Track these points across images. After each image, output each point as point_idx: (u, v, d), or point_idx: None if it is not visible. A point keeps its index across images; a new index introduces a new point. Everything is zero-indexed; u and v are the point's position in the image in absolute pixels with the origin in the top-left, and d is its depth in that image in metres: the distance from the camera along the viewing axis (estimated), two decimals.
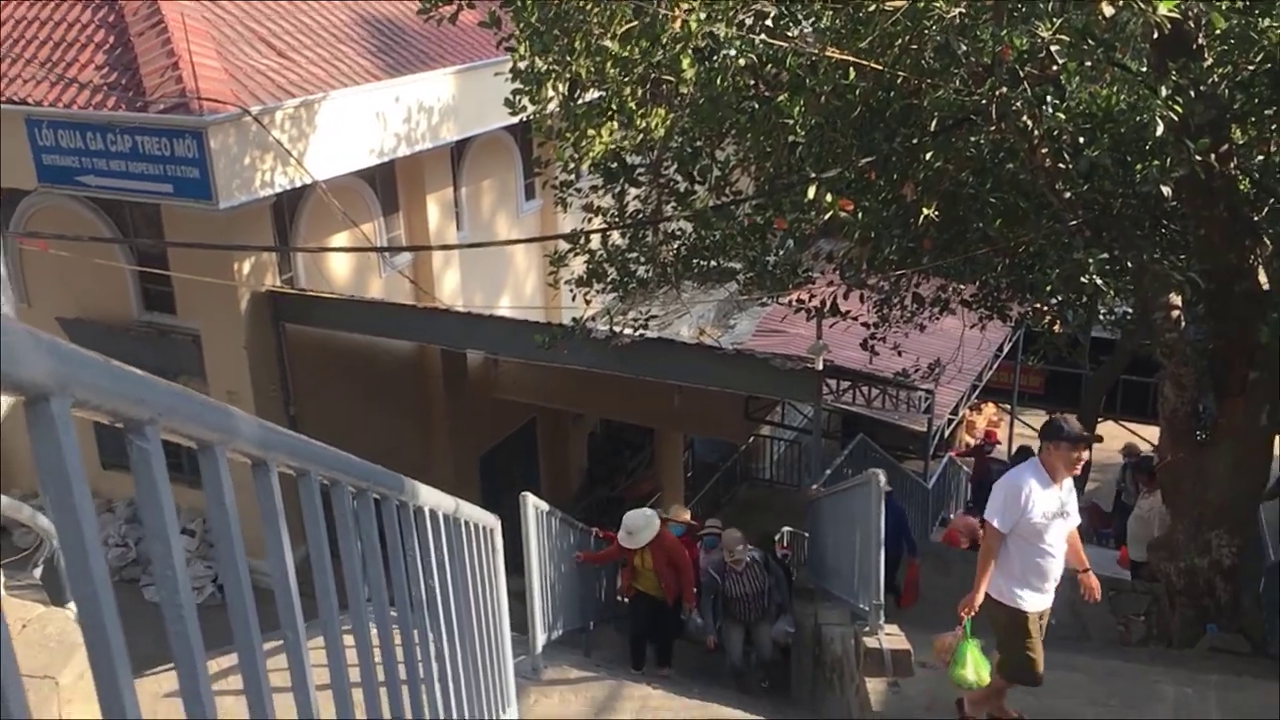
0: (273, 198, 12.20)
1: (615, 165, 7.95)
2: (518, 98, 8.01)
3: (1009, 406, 20.51)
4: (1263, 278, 7.26)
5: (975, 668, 5.19)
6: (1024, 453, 13.36)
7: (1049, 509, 5.02)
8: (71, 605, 3.82)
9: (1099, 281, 6.69)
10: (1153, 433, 9.03)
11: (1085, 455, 5.18)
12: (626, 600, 9.34)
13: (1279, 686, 6.13)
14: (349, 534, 2.14)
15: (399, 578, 2.57)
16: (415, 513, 2.68)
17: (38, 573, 5.26)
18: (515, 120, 8.75)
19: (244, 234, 12.27)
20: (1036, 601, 5.16)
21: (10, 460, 14.30)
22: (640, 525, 8.48)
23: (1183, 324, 7.75)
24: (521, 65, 7.83)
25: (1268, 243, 7.29)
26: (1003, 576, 5.15)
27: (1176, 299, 7.60)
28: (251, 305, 12.96)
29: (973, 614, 5.15)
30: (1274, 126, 6.90)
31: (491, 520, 3.99)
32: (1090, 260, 6.53)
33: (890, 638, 6.37)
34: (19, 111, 11.69)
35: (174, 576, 1.29)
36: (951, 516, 14.87)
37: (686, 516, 10.55)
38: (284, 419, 13.43)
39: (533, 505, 6.69)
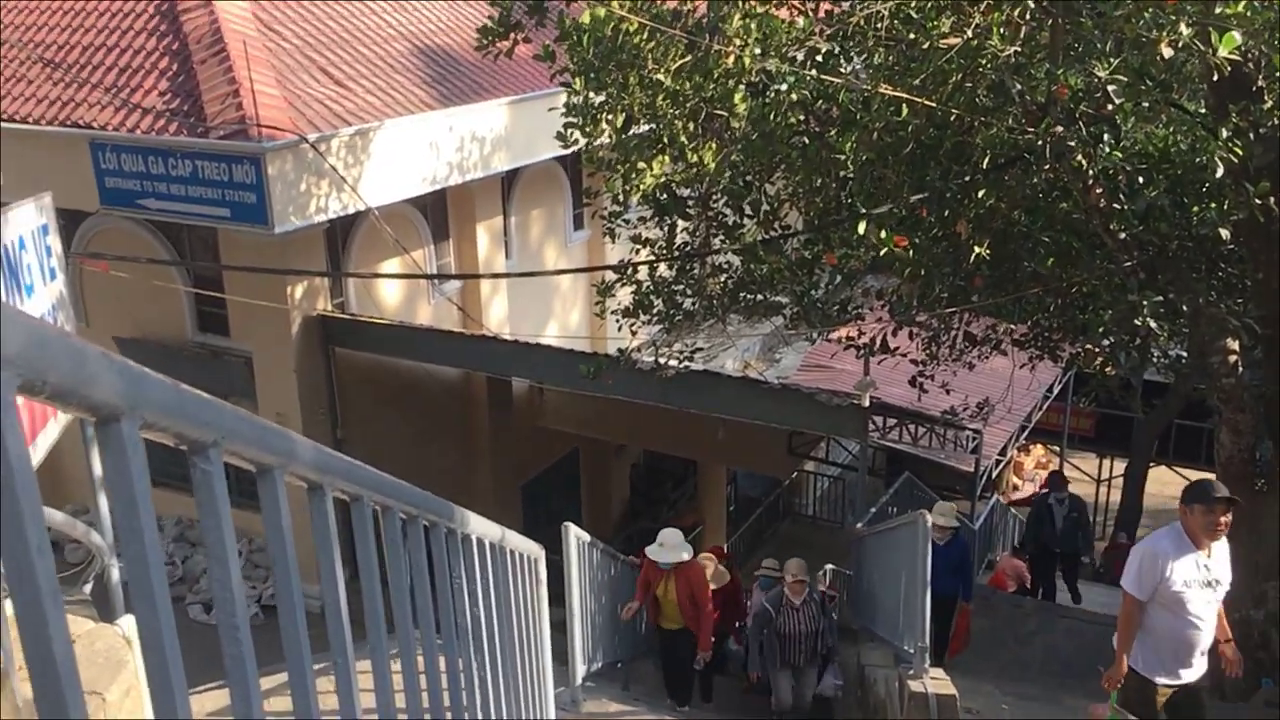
0: (326, 223, 12.40)
1: (665, 197, 7.98)
2: (570, 131, 8.08)
3: (1058, 448, 20.20)
4: None
5: None
6: (1054, 480, 13.33)
7: (1191, 576, 4.71)
8: (120, 622, 3.86)
9: (1153, 324, 6.59)
10: (1209, 477, 8.89)
11: (1228, 519, 4.79)
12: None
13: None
14: (398, 560, 2.15)
15: (445, 605, 2.58)
16: (463, 540, 2.69)
17: (88, 589, 5.33)
18: (567, 151, 8.83)
19: (297, 258, 12.47)
20: (1173, 677, 4.90)
21: (60, 475, 14.56)
22: (674, 542, 8.15)
23: (1240, 369, 7.61)
24: (575, 100, 7.91)
25: None
26: (1141, 646, 4.92)
27: (1234, 344, 7.46)
28: (302, 329, 13.14)
29: (1117, 686, 4.90)
30: None
31: (536, 549, 3.99)
32: (1145, 302, 6.44)
33: (935, 681, 6.27)
34: (83, 135, 12.00)
35: (231, 600, 1.30)
36: (998, 559, 14.62)
37: (724, 577, 9.37)
38: (331, 442, 13.55)
39: (575, 535, 6.68)
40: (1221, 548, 4.88)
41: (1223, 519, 4.72)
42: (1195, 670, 4.91)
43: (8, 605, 2.95)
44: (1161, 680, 4.90)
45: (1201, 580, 4.71)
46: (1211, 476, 4.98)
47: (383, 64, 13.70)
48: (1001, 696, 6.36)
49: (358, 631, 2.03)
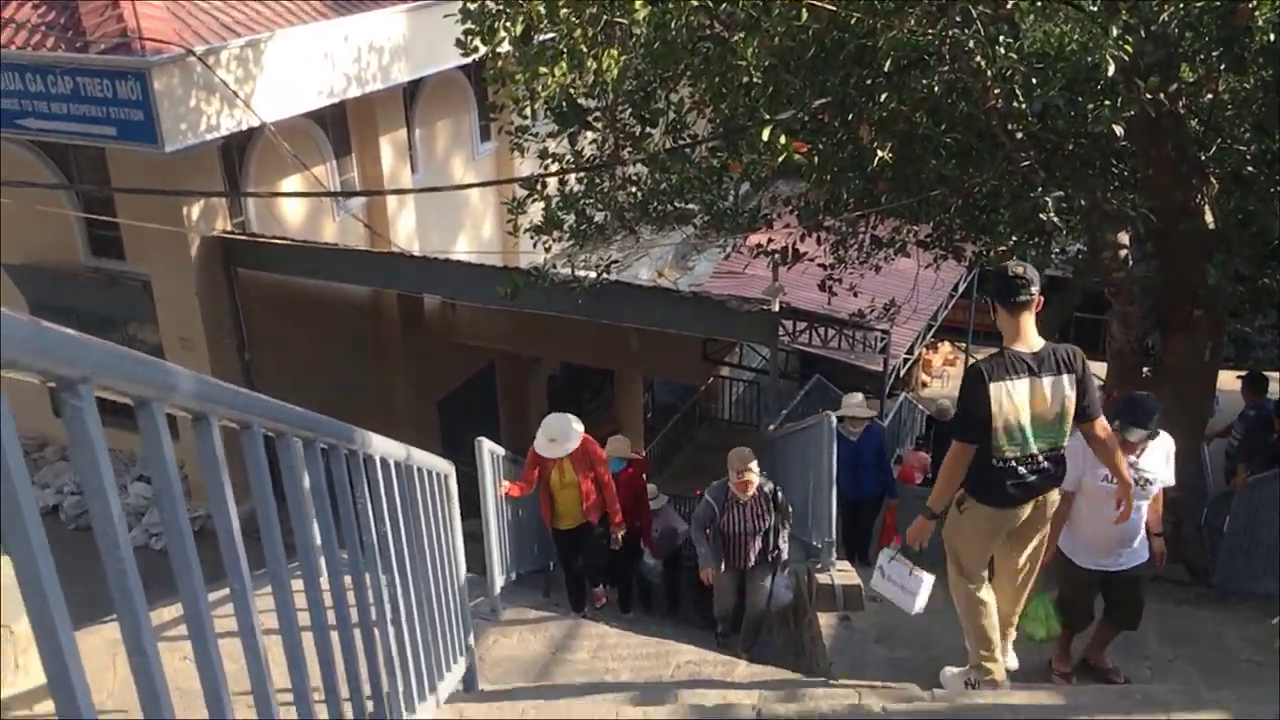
0: (220, 140, 11.96)
1: (568, 108, 7.86)
2: (469, 38, 7.88)
3: (964, 345, 20.78)
4: (1209, 217, 7.38)
5: (1046, 621, 5.15)
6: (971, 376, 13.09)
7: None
8: None
9: (1055, 219, 6.75)
10: (1102, 369, 9.24)
11: (1138, 440, 4.78)
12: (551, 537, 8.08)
13: (1214, 614, 6.35)
14: (296, 484, 2.16)
15: (348, 524, 2.60)
16: (365, 461, 2.70)
17: None
18: (468, 60, 8.61)
19: (192, 178, 12.04)
20: (1100, 565, 4.99)
21: None
22: (562, 430, 7.25)
23: (1130, 263, 7.88)
24: (472, 5, 7.70)
25: (1214, 182, 7.39)
26: (1069, 535, 5.01)
27: (1124, 238, 7.71)
28: (202, 251, 12.76)
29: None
30: (1221, 66, 6.96)
31: (445, 466, 4.01)
32: (1047, 199, 6.59)
33: (841, 573, 6.52)
34: None
35: (114, 533, 1.30)
36: (903, 453, 15.09)
37: (628, 449, 8.67)
38: (239, 366, 13.31)
39: (488, 449, 6.74)
40: (1157, 446, 4.89)
41: (1141, 445, 4.80)
42: (1126, 559, 4.98)
43: None
44: (1090, 566, 5.03)
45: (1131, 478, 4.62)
46: (1142, 395, 4.96)
47: None
48: None
49: (259, 556, 2.05)
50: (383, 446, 2.86)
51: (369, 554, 2.69)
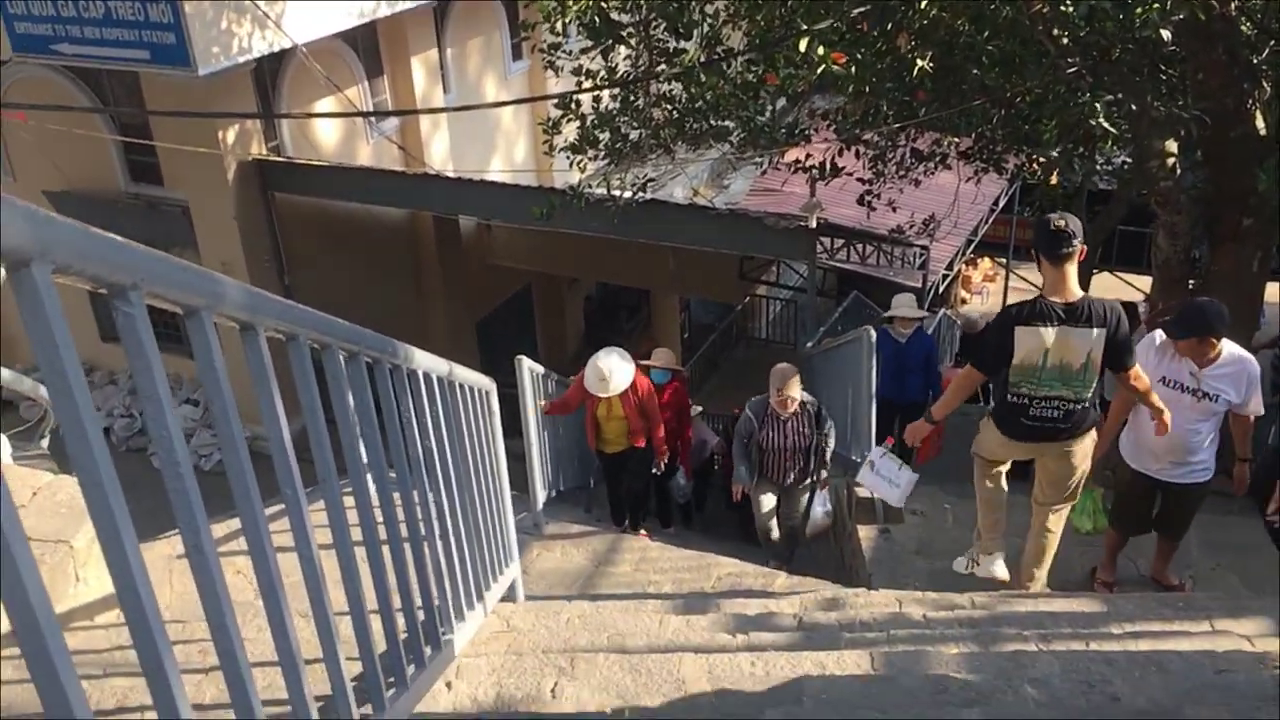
0: (253, 63, 11.91)
1: (601, 23, 7.73)
2: None
3: (1004, 261, 20.50)
4: (1260, 123, 7.17)
5: (1094, 516, 5.23)
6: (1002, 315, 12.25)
7: (1176, 378, 4.68)
8: None
9: (1106, 125, 6.59)
10: (1147, 283, 9.08)
11: (1216, 350, 4.67)
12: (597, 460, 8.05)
13: (1257, 524, 6.31)
14: (342, 397, 2.19)
15: (395, 439, 2.63)
16: (409, 376, 2.73)
17: (45, 443, 5.37)
18: None
19: (226, 102, 12.03)
20: (1155, 472, 4.92)
21: (10, 336, 14.37)
22: (613, 369, 7.03)
23: (1178, 171, 7.69)
24: None
25: (1266, 87, 7.17)
26: (1127, 439, 4.98)
27: (1172, 146, 7.52)
28: (239, 175, 12.81)
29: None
30: None
31: (486, 383, 4.05)
32: (1097, 104, 6.43)
33: None
34: None
35: (169, 436, 1.33)
36: (943, 369, 15.00)
37: (674, 360, 8.47)
38: (279, 289, 13.43)
39: (528, 367, 6.78)
40: (1230, 365, 4.74)
41: (1209, 356, 4.68)
42: (1180, 473, 4.89)
43: None
44: (1138, 469, 4.98)
45: (1190, 387, 4.68)
46: (1204, 301, 4.77)
47: None
48: (945, 497, 6.66)
49: (312, 472, 2.08)
50: (425, 361, 2.88)
51: (415, 468, 2.73)
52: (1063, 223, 4.20)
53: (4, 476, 1.02)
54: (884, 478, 5.41)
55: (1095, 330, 4.26)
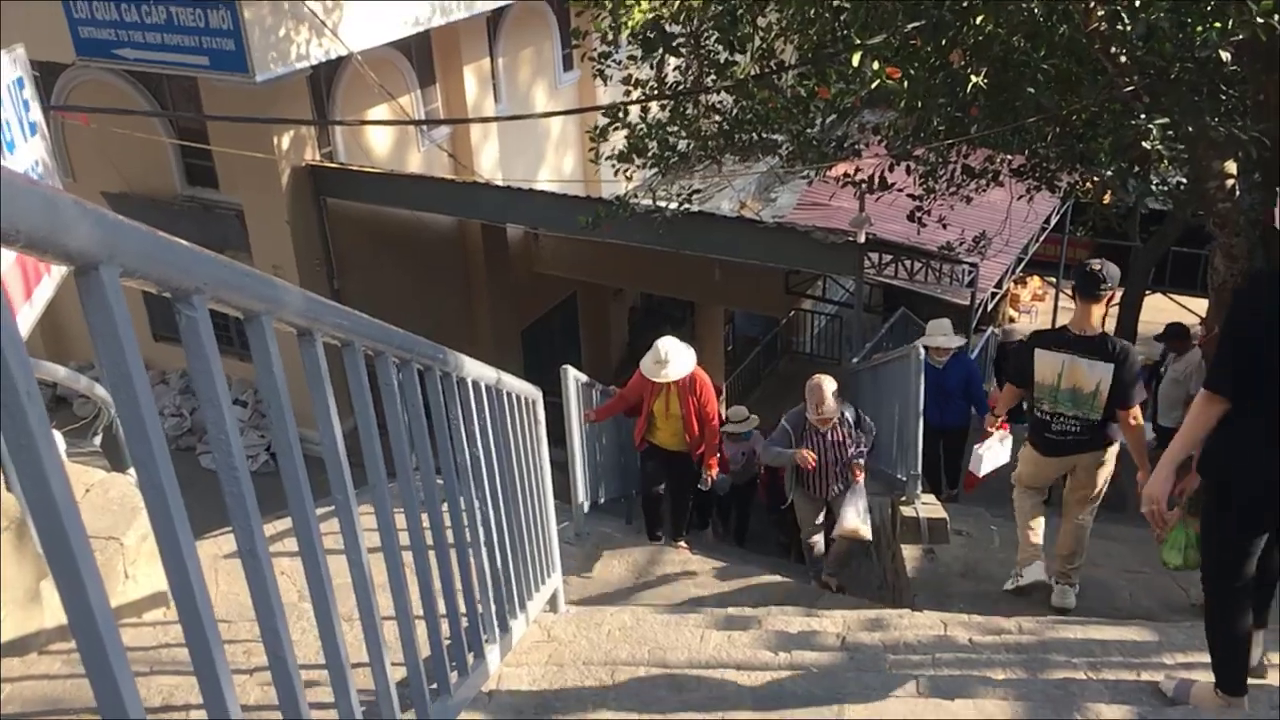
0: (309, 70, 12.09)
1: (654, 35, 7.75)
2: None
3: (1055, 280, 20.24)
4: None
5: (1184, 551, 4.86)
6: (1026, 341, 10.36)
7: None
8: (131, 471, 3.97)
9: (1160, 148, 6.50)
10: (1202, 305, 8.91)
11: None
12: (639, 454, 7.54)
13: None
14: (394, 403, 2.20)
15: (444, 445, 2.64)
16: (458, 383, 2.74)
17: (97, 440, 5.45)
18: None
19: (282, 108, 12.21)
20: None
21: (64, 333, 14.65)
22: (673, 352, 6.73)
23: (1237, 193, 7.55)
24: None
25: None
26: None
27: (1231, 167, 7.38)
28: (292, 180, 12.98)
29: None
30: None
31: (533, 391, 4.06)
32: (1152, 125, 6.34)
33: (926, 507, 6.46)
34: None
35: (227, 440, 1.34)
36: (989, 390, 14.82)
37: (754, 421, 8.52)
38: (328, 293, 13.57)
39: (573, 377, 6.79)
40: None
41: None
42: None
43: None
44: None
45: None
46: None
47: None
48: (991, 519, 6.57)
49: (361, 476, 2.09)
50: (475, 370, 2.90)
51: (464, 475, 2.73)
52: (1099, 268, 4.69)
53: (66, 473, 1.03)
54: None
55: (1104, 364, 4.78)
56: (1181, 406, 9.58)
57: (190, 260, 1.25)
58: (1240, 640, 3.18)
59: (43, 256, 1.04)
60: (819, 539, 6.75)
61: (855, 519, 6.41)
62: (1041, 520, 5.30)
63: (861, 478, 6.48)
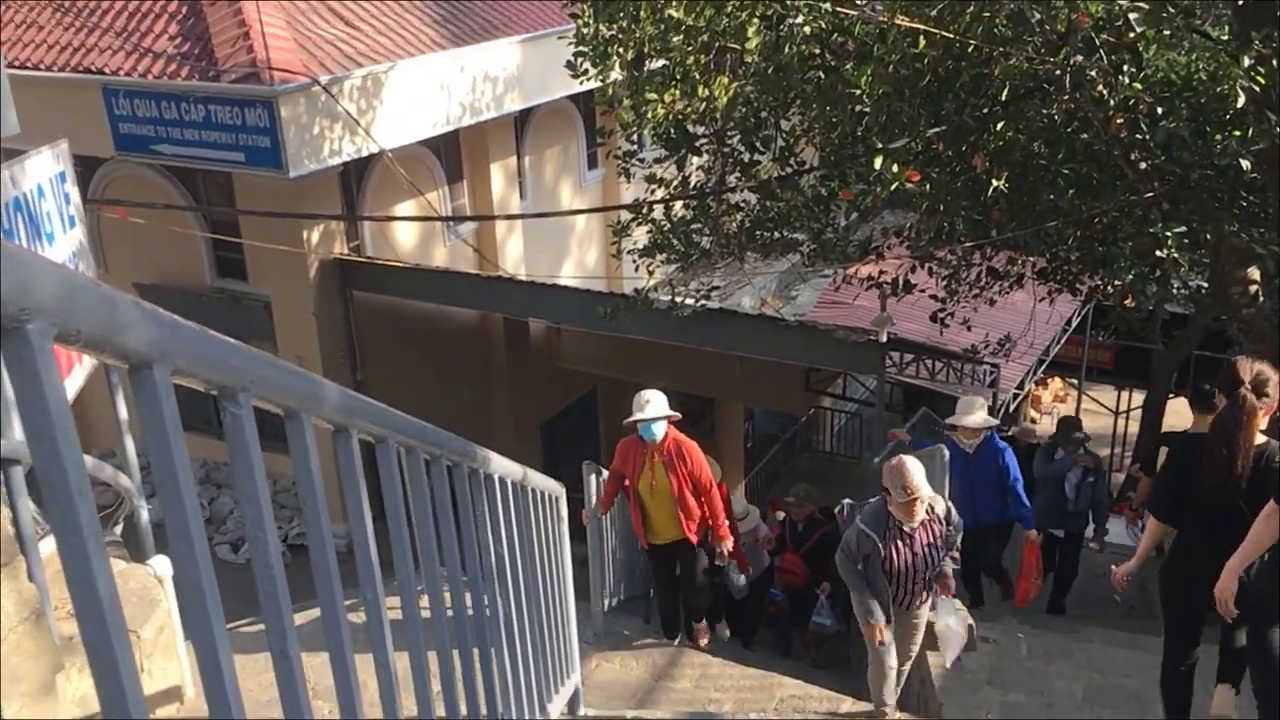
0: (340, 166, 12.37)
1: (677, 134, 7.91)
2: (580, 61, 8.03)
3: (1076, 381, 20.16)
4: None
5: None
6: (1065, 425, 9.10)
7: None
8: (151, 563, 3.95)
9: (1176, 255, 6.53)
10: None
11: None
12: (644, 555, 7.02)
13: None
14: (423, 499, 2.20)
15: (470, 543, 2.63)
16: (485, 479, 2.74)
17: (118, 530, 5.44)
18: (579, 89, 8.76)
19: (313, 202, 12.47)
20: None
21: (84, 419, 14.75)
22: (657, 394, 6.20)
23: (1260, 299, 7.56)
24: (586, 31, 7.84)
25: None
26: None
27: (1255, 273, 7.40)
28: (320, 273, 13.18)
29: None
30: None
31: (557, 487, 4.05)
32: (1169, 233, 6.39)
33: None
34: (96, 81, 11.96)
35: (264, 538, 1.34)
36: None
37: (755, 513, 8.22)
38: (351, 384, 13.66)
39: (594, 473, 6.76)
40: None
41: None
42: None
43: (44, 546, 3.02)
44: None
45: None
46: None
47: (392, 3, 13.56)
48: (1018, 626, 6.44)
49: (386, 571, 2.08)
50: (501, 465, 2.90)
51: (488, 572, 2.72)
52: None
53: (112, 573, 1.03)
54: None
55: None
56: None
57: (238, 359, 1.26)
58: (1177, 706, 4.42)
59: (98, 355, 1.05)
60: (894, 664, 5.22)
61: (960, 628, 5.38)
62: None
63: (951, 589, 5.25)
